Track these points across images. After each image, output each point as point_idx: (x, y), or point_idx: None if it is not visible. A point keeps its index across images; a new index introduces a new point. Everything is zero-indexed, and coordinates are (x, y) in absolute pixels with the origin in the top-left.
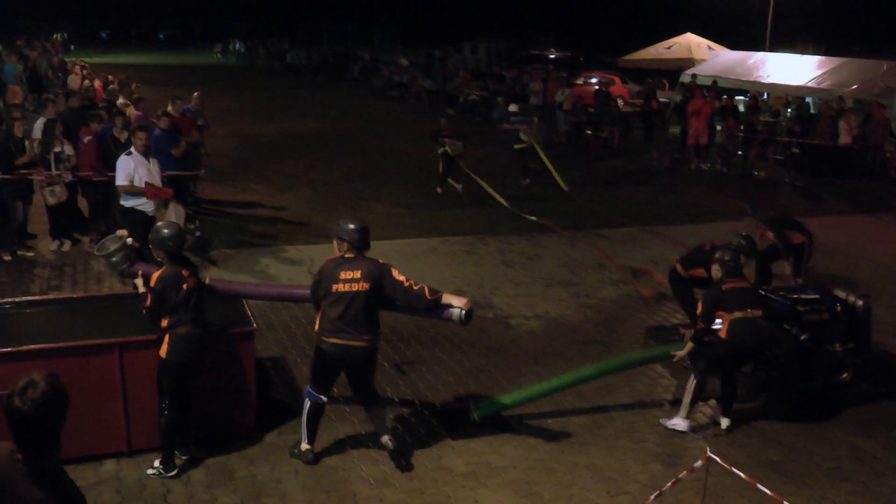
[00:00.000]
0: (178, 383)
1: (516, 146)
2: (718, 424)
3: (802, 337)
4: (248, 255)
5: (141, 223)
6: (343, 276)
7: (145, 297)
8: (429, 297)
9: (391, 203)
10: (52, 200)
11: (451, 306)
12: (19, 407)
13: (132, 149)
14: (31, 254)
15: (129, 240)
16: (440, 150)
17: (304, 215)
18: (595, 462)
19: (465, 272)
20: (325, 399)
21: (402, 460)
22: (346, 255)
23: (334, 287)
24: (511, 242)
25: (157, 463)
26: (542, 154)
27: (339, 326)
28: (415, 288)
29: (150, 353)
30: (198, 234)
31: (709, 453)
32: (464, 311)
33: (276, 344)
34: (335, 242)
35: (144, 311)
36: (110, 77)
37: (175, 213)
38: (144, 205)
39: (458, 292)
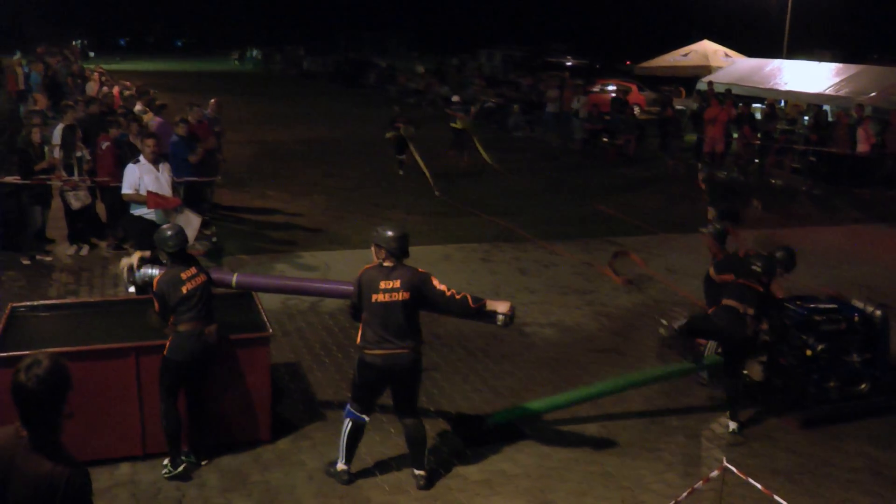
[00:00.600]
0: (175, 381)
1: (452, 125)
2: (730, 430)
3: (819, 347)
4: (264, 260)
5: (149, 232)
6: (383, 285)
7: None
8: (472, 306)
9: (406, 210)
10: (76, 204)
11: (495, 313)
12: (24, 383)
13: (140, 157)
14: (49, 258)
15: (135, 257)
16: (390, 135)
17: (320, 222)
18: (609, 471)
19: (480, 279)
20: (367, 418)
21: (423, 483)
22: (385, 264)
23: (374, 297)
24: (526, 250)
25: (165, 461)
26: (475, 138)
27: (382, 336)
28: (457, 297)
29: None
30: (214, 239)
31: (725, 463)
32: (508, 316)
33: (290, 350)
34: (373, 249)
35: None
36: (127, 84)
37: (187, 222)
38: (152, 213)
39: None
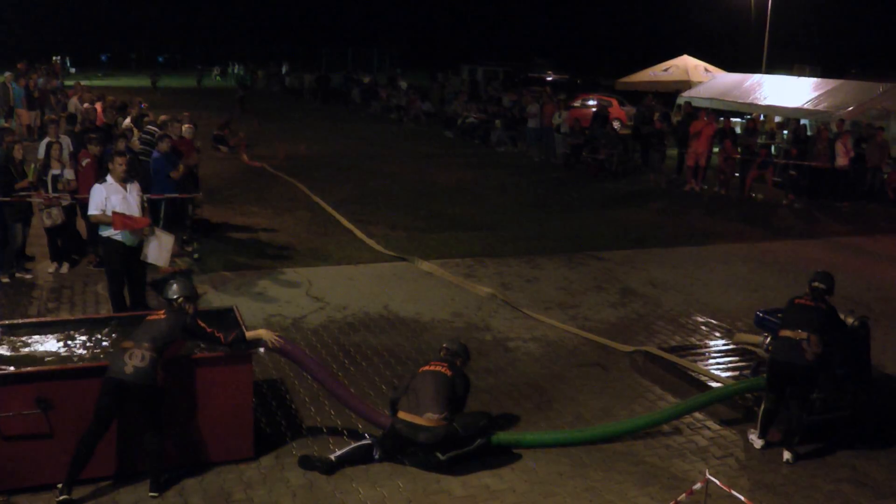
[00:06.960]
0: None
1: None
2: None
3: None
4: (246, 277)
5: (118, 253)
6: None
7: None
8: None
9: (389, 226)
10: (48, 222)
11: None
12: None
13: (108, 176)
14: (29, 276)
15: None
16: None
17: (302, 238)
18: (594, 485)
19: (463, 295)
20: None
21: None
22: None
23: None
24: (509, 265)
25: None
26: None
27: None
28: None
29: None
30: (196, 256)
31: (708, 475)
32: None
33: (273, 366)
34: None
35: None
36: (109, 99)
37: (159, 244)
38: (119, 234)
39: (456, 315)
